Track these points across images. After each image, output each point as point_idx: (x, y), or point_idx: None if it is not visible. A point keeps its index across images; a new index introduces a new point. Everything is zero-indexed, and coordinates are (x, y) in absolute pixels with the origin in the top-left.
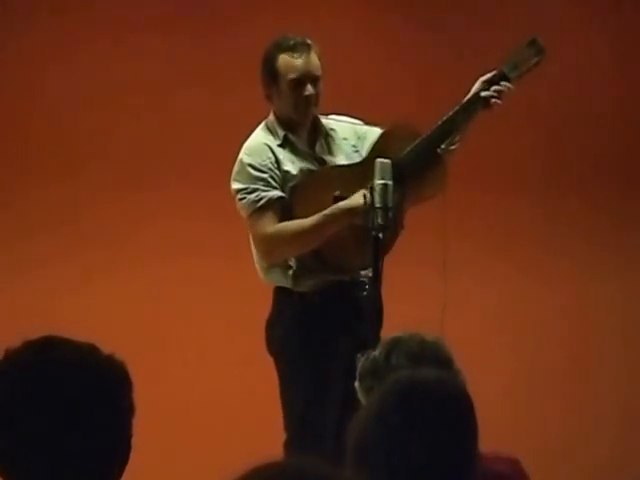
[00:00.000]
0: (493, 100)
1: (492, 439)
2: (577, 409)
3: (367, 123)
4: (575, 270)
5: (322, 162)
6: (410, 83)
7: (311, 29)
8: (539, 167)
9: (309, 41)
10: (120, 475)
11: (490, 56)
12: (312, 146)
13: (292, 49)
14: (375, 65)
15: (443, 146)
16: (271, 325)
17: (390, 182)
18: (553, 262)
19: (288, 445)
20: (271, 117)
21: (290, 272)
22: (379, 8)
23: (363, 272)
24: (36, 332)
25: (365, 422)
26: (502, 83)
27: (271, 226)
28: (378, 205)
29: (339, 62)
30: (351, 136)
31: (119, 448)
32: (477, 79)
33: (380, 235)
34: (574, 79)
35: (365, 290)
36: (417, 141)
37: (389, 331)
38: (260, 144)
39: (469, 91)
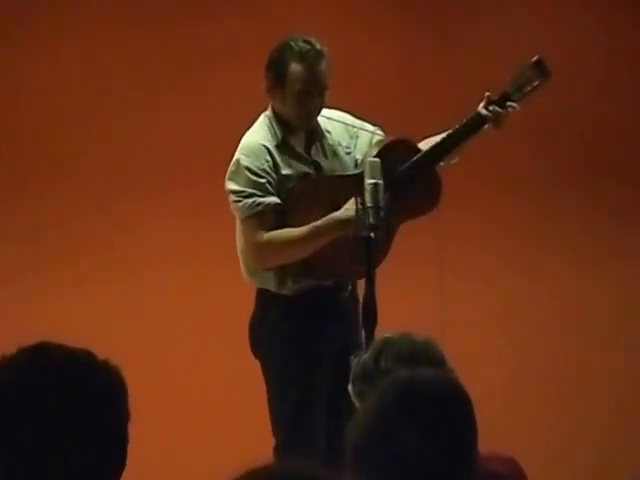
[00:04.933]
0: (487, 124)
1: (489, 439)
2: (575, 408)
3: (358, 118)
4: (574, 269)
5: (317, 165)
6: (409, 81)
7: (309, 28)
8: (537, 166)
9: (322, 48)
10: None
11: (489, 55)
12: (308, 149)
13: (306, 58)
14: (373, 64)
15: (442, 163)
16: (255, 327)
17: (380, 181)
18: (551, 261)
19: (278, 449)
20: (269, 112)
21: (276, 276)
22: (377, 6)
23: None
24: (30, 337)
25: (364, 422)
26: (507, 104)
27: (265, 233)
28: (369, 204)
29: (336, 60)
30: (344, 138)
31: (115, 454)
32: (475, 79)
33: (372, 235)
34: (572, 78)
35: (347, 291)
36: (416, 157)
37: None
38: (258, 145)
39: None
